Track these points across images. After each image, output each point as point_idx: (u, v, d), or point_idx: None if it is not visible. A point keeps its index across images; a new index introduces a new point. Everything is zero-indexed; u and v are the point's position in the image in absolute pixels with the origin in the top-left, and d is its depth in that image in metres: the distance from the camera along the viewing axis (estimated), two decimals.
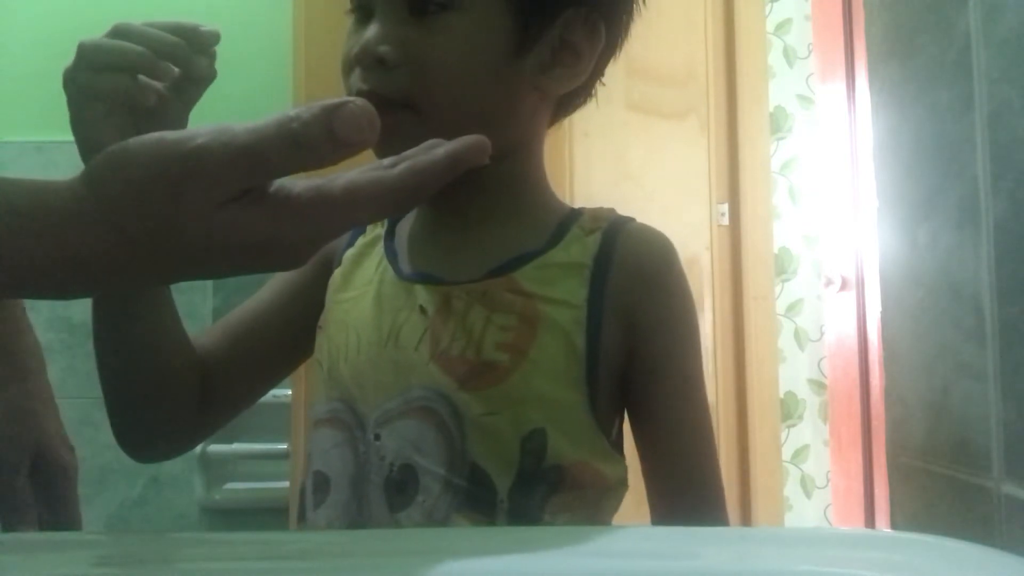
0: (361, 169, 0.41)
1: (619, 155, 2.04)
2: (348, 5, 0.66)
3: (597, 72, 0.69)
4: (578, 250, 0.64)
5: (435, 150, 0.42)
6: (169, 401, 0.65)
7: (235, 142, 0.36)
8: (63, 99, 0.53)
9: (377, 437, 0.61)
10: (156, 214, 0.36)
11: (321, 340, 0.68)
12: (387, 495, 0.60)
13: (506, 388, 0.60)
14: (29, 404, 0.74)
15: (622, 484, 0.64)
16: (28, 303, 1.57)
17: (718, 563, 0.37)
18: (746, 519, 2.15)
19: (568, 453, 0.60)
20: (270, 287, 0.72)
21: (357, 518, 0.61)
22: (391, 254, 0.68)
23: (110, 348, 0.63)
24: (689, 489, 0.64)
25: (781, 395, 2.54)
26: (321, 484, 0.64)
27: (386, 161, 0.42)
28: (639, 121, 2.09)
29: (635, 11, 0.71)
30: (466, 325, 0.61)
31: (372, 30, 0.61)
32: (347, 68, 0.64)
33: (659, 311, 0.64)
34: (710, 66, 2.18)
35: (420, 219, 0.70)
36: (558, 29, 0.64)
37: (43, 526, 0.71)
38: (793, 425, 2.69)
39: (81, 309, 1.56)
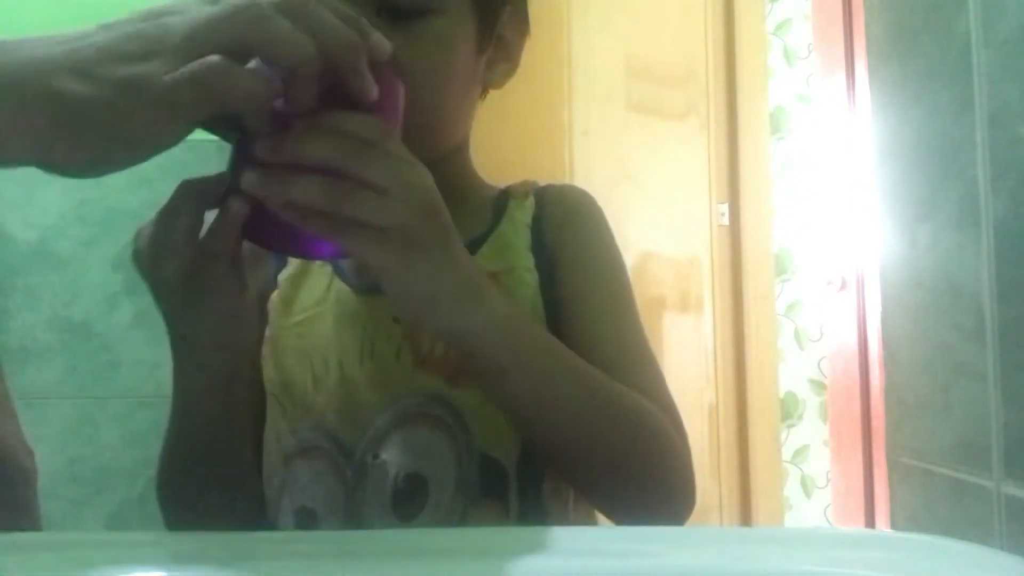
0: None
1: (619, 155, 2.04)
2: None
3: None
4: (520, 214, 0.67)
5: None
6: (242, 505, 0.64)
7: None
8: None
9: (375, 456, 0.60)
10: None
11: (271, 371, 0.64)
12: (395, 507, 0.59)
13: None
14: None
15: None
16: (29, 302, 1.57)
17: (718, 563, 0.37)
18: (746, 519, 2.15)
19: None
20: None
21: None
22: (339, 270, 0.66)
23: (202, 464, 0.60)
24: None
25: (781, 395, 2.54)
26: (306, 519, 0.61)
27: None
28: (639, 121, 2.09)
29: None
30: None
31: None
32: None
33: (577, 244, 0.66)
34: (710, 66, 2.18)
35: None
36: (499, 27, 0.65)
37: (2, 531, 0.69)
38: (793, 425, 2.70)
39: (81, 309, 1.56)
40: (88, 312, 1.56)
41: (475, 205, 0.68)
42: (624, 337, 0.64)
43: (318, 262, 0.67)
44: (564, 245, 0.66)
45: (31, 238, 1.58)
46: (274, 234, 0.49)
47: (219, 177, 0.50)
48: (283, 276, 0.67)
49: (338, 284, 0.65)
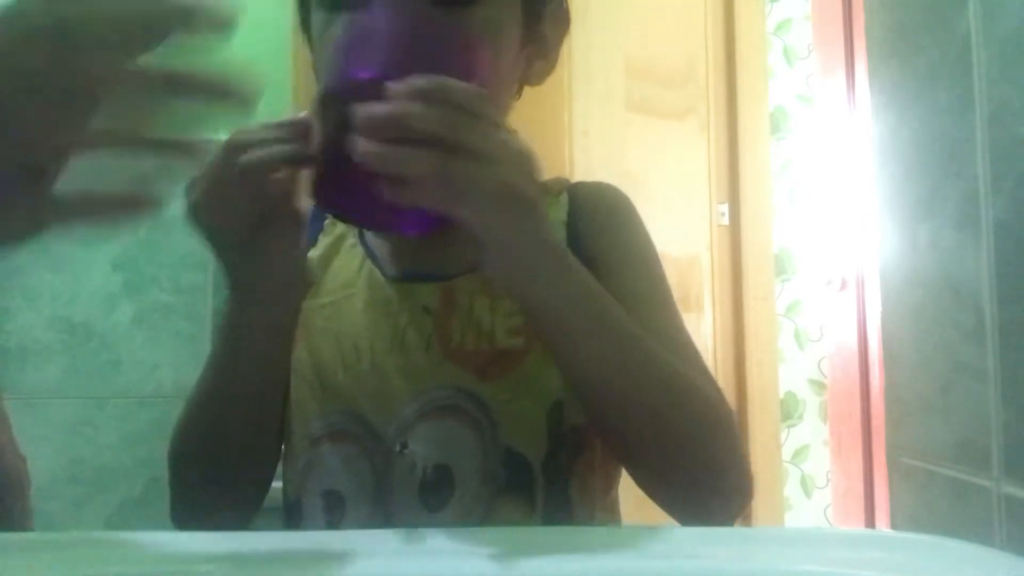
0: None
1: (619, 155, 2.04)
2: None
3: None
4: (554, 211, 0.66)
5: None
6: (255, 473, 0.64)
7: None
8: None
9: (404, 445, 0.60)
10: None
11: (302, 351, 0.64)
12: (422, 498, 0.59)
13: (524, 370, 0.60)
14: None
15: None
16: (29, 302, 1.57)
17: (718, 563, 0.37)
18: (746, 519, 2.15)
19: (580, 415, 0.60)
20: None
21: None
22: (373, 255, 0.66)
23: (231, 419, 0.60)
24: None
25: (781, 395, 2.54)
26: (335, 504, 0.61)
27: None
28: (639, 121, 2.09)
29: None
30: (473, 318, 0.62)
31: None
32: None
33: (613, 241, 0.66)
34: (710, 66, 2.18)
35: None
36: (540, 24, 0.64)
37: None
38: (793, 425, 2.69)
39: (81, 309, 1.56)
40: (88, 312, 1.56)
41: None
42: (668, 330, 0.63)
43: (348, 244, 0.67)
44: (600, 243, 0.65)
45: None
46: (360, 207, 0.50)
47: (264, 135, 0.50)
48: (311, 257, 0.67)
49: (368, 268, 0.65)
